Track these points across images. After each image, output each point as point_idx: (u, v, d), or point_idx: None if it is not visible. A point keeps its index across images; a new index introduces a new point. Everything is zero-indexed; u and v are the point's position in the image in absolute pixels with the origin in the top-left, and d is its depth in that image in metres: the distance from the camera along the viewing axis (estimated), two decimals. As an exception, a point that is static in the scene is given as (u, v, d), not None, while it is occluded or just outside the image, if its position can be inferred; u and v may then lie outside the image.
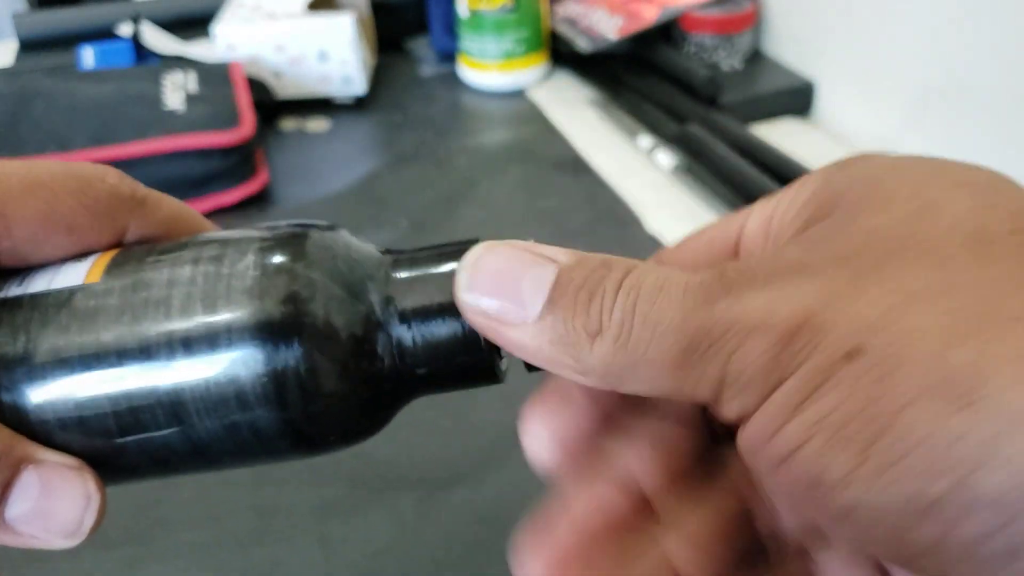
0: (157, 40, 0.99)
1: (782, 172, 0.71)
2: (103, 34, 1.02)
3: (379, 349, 0.24)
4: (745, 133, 0.77)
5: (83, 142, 0.74)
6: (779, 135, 0.81)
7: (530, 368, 0.23)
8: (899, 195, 0.20)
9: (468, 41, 0.96)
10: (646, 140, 0.82)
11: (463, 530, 0.46)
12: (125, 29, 1.01)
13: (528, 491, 0.50)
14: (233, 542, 0.47)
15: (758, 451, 0.19)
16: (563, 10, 1.00)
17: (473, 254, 0.22)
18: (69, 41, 1.02)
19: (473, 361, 0.24)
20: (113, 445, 0.24)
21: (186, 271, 0.23)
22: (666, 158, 0.78)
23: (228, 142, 0.75)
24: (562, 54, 0.98)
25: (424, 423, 0.52)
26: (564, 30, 0.96)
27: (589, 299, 0.20)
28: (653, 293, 0.20)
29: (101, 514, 0.25)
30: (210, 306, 0.23)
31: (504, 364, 0.25)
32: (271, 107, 0.91)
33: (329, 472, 0.50)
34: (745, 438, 0.20)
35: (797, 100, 0.87)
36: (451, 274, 0.23)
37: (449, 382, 0.25)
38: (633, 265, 0.21)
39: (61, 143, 0.74)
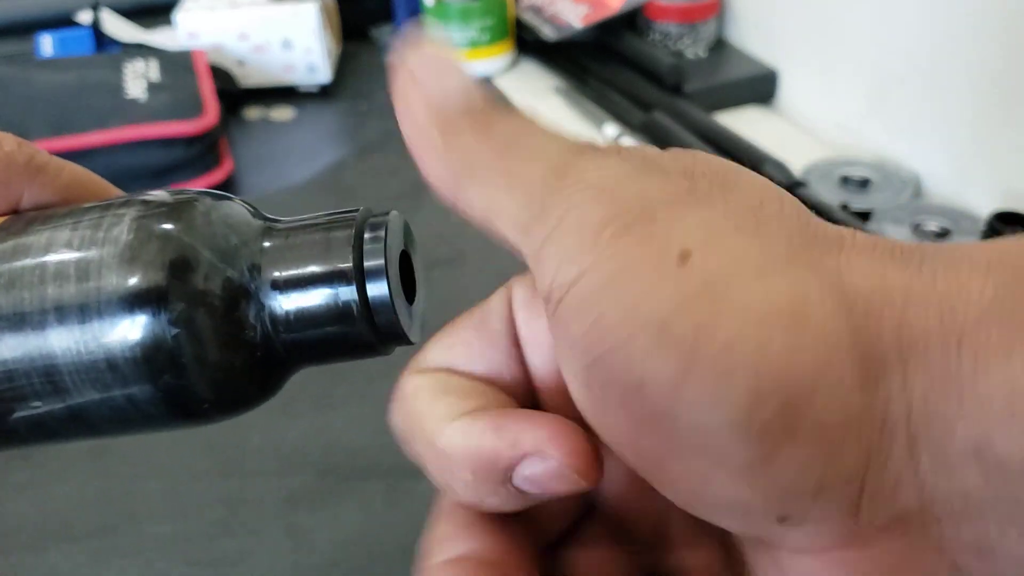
0: (117, 28, 0.97)
1: (746, 160, 0.72)
2: (62, 21, 1.00)
3: (250, 318, 0.23)
4: (710, 121, 0.78)
5: (42, 132, 0.73)
6: (743, 123, 0.82)
7: None
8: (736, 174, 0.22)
9: (433, 29, 0.95)
10: (611, 128, 0.82)
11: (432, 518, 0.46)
12: (84, 16, 0.99)
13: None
14: (201, 534, 0.47)
15: (572, 326, 0.19)
16: (528, -2, 1.00)
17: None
18: (27, 28, 1.00)
19: (347, 332, 0.23)
20: None
21: (64, 236, 0.23)
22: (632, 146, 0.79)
23: (191, 131, 0.74)
24: (527, 42, 0.98)
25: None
26: (529, 18, 0.96)
27: (497, 100, 0.22)
28: (548, 127, 0.22)
29: None
30: (82, 272, 0.22)
31: (409, 327, 0.24)
32: (235, 96, 0.90)
33: (297, 462, 0.50)
34: (562, 311, 0.19)
35: (761, 88, 0.87)
36: (325, 242, 0.23)
37: (327, 353, 0.24)
38: (536, 115, 0.23)
39: (20, 133, 0.71)
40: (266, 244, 0.24)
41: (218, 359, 0.23)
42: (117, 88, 0.78)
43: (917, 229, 0.64)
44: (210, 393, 0.23)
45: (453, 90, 0.22)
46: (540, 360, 0.23)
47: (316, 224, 0.24)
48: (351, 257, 0.23)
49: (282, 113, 0.91)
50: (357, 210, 0.24)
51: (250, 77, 0.92)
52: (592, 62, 0.91)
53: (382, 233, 0.24)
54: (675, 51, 0.91)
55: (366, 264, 0.23)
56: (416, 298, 0.25)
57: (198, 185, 0.76)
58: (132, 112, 0.75)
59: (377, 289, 0.23)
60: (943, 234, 0.64)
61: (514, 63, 0.99)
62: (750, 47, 0.91)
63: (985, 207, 0.64)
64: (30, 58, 0.91)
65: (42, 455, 0.51)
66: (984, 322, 0.17)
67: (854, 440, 0.17)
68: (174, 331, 0.22)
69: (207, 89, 0.79)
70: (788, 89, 0.86)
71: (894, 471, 0.17)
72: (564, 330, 0.19)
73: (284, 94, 0.93)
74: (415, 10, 0.98)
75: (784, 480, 0.17)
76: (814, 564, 0.19)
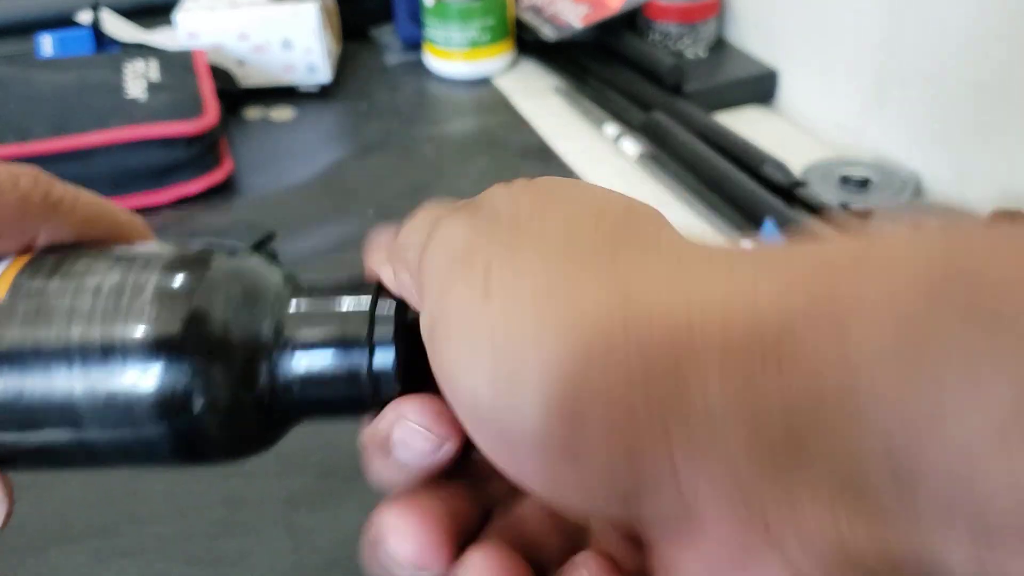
0: (117, 28, 0.97)
1: (746, 160, 0.72)
2: (62, 21, 1.00)
3: (264, 377, 0.25)
4: (710, 121, 0.78)
5: (43, 132, 0.73)
6: (743, 123, 0.82)
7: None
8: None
9: (433, 29, 0.95)
10: (612, 128, 0.82)
11: (432, 518, 0.46)
12: (85, 16, 0.99)
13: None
14: (202, 534, 0.47)
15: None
16: (528, -2, 1.00)
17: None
18: (27, 28, 1.00)
19: (354, 397, 0.25)
20: (11, 441, 0.25)
21: (89, 290, 0.24)
22: (631, 146, 0.79)
23: (191, 131, 0.74)
24: (527, 42, 0.98)
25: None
26: (529, 18, 0.96)
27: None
28: None
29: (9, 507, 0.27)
30: (108, 323, 0.24)
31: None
32: (235, 96, 0.90)
33: (298, 462, 0.50)
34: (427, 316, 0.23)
35: (761, 88, 0.87)
36: (342, 310, 0.25)
37: (330, 412, 0.26)
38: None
39: (20, 133, 0.73)
40: (289, 308, 0.25)
41: (232, 414, 0.25)
42: (117, 88, 0.78)
43: (917, 229, 0.64)
44: (217, 442, 0.25)
45: None
46: None
47: (335, 289, 0.26)
48: (366, 330, 0.25)
49: (282, 113, 0.91)
50: (374, 284, 0.26)
51: (250, 77, 0.92)
52: (592, 62, 0.91)
53: (392, 310, 0.25)
54: (675, 51, 0.91)
55: (377, 337, 0.25)
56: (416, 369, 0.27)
57: (198, 186, 0.76)
58: (132, 112, 0.75)
59: (384, 360, 0.25)
60: (943, 234, 0.63)
61: (514, 63, 0.99)
62: (750, 47, 0.91)
63: (985, 206, 0.64)
64: (30, 58, 0.91)
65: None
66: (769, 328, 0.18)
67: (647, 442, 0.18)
68: (192, 386, 0.24)
69: (207, 89, 0.79)
70: (788, 89, 0.86)
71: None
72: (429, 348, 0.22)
73: (284, 94, 0.93)
74: (415, 10, 0.99)
75: (595, 481, 0.19)
76: (678, 555, 0.20)
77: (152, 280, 0.24)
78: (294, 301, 0.26)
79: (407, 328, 0.26)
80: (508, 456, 0.20)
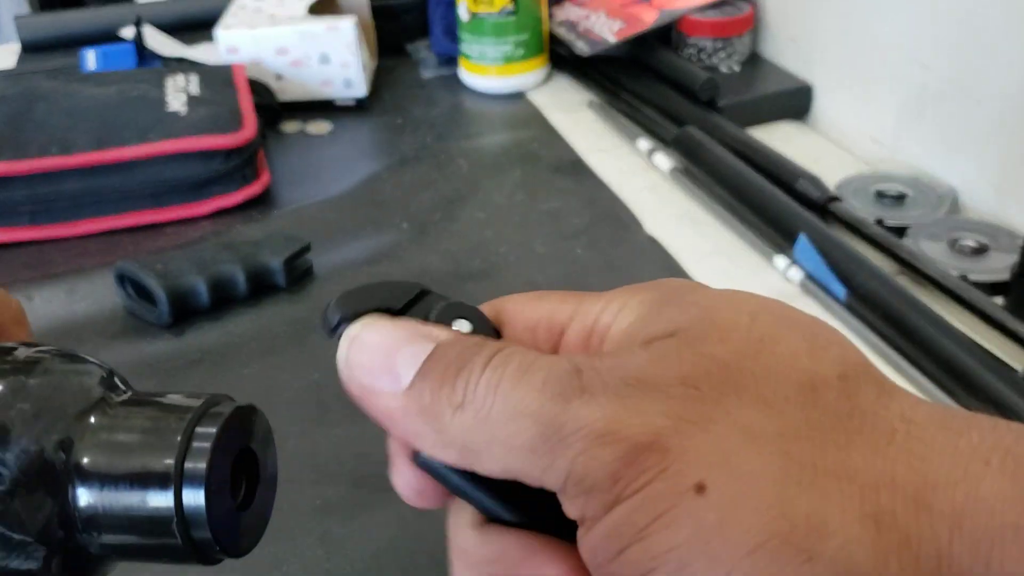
0: (159, 43, 0.99)
1: (779, 175, 0.71)
2: (105, 37, 1.03)
3: (49, 504, 0.20)
4: (743, 136, 0.78)
5: (85, 144, 0.74)
6: (777, 138, 0.82)
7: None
8: (736, 327, 0.21)
9: (468, 44, 0.96)
10: (645, 143, 0.82)
11: (463, 529, 0.46)
12: (127, 32, 1.01)
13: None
14: (236, 541, 0.47)
15: (599, 563, 0.20)
16: (562, 13, 1.00)
17: (354, 328, 0.23)
18: (71, 43, 1.02)
19: (157, 542, 0.20)
20: None
21: None
22: (665, 161, 0.79)
23: (230, 144, 0.75)
24: (561, 57, 0.98)
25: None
26: (563, 33, 0.97)
27: (457, 373, 0.21)
28: (517, 375, 0.20)
29: None
30: None
31: (232, 541, 0.22)
32: (273, 110, 0.91)
33: (331, 471, 0.51)
34: (587, 546, 0.20)
35: (795, 103, 0.87)
36: (151, 430, 0.20)
37: (138, 556, 0.21)
38: (504, 346, 0.21)
39: (63, 146, 0.74)
40: (91, 420, 0.21)
41: (16, 543, 0.20)
42: (158, 102, 0.80)
43: (954, 245, 0.64)
44: None
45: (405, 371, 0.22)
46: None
47: (157, 405, 0.21)
48: (173, 455, 0.20)
49: (319, 127, 0.92)
50: (216, 401, 0.22)
51: (288, 91, 0.93)
52: (626, 77, 0.91)
53: (214, 430, 0.21)
54: (709, 66, 0.91)
55: (186, 466, 0.20)
56: (255, 504, 0.23)
57: (236, 198, 0.77)
58: (172, 125, 0.76)
59: (194, 498, 0.20)
60: (981, 250, 0.63)
61: (548, 78, 0.99)
62: (784, 61, 0.91)
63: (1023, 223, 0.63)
64: (74, 72, 0.93)
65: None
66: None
67: None
68: None
69: (246, 103, 0.81)
70: (822, 103, 0.86)
71: None
72: (592, 555, 0.20)
73: (321, 108, 0.94)
74: (450, 25, 0.99)
75: None
76: None
77: None
78: (96, 417, 0.21)
79: (249, 452, 0.22)
80: None
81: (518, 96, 0.96)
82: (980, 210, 0.70)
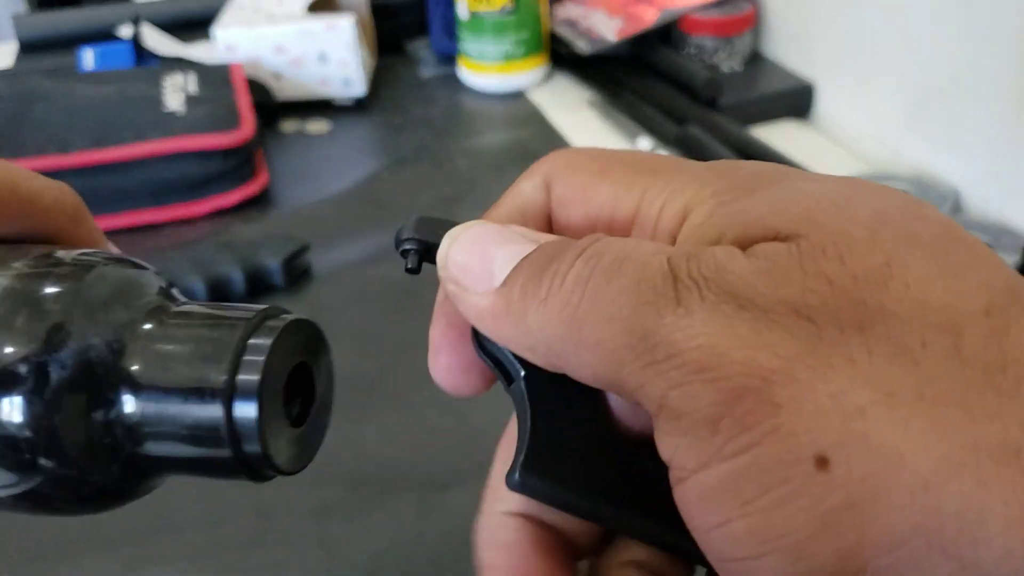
0: (157, 42, 0.99)
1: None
2: (103, 36, 1.02)
3: (101, 412, 0.20)
4: (744, 135, 0.78)
5: (83, 144, 0.74)
6: (779, 137, 0.81)
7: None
8: (854, 243, 0.17)
9: (468, 43, 0.96)
10: (646, 142, 0.82)
11: (463, 531, 0.46)
12: (125, 31, 1.01)
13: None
14: (233, 544, 0.47)
15: (695, 526, 0.17)
16: (563, 12, 1.00)
17: (459, 227, 0.22)
18: (69, 43, 1.02)
19: (206, 453, 0.20)
20: None
21: None
22: (666, 160, 0.78)
23: (228, 144, 0.75)
24: (562, 56, 0.98)
25: (425, 424, 0.52)
26: (564, 32, 0.97)
27: (548, 263, 0.19)
28: (611, 269, 0.18)
29: None
30: None
31: (285, 457, 0.21)
32: (271, 109, 0.91)
33: (330, 473, 0.50)
34: (683, 501, 0.17)
35: (796, 102, 0.87)
36: (203, 343, 0.20)
37: (187, 468, 0.21)
38: (600, 236, 0.19)
39: (61, 145, 0.74)
40: (145, 327, 0.21)
41: (65, 457, 0.20)
42: (156, 101, 0.79)
43: (957, 244, 0.63)
44: (51, 488, 0.20)
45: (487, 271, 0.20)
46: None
47: (211, 316, 0.21)
48: (226, 367, 0.20)
49: (318, 126, 0.91)
50: (265, 308, 0.21)
51: (286, 90, 0.93)
52: (626, 76, 0.91)
53: (268, 342, 0.20)
54: (710, 64, 0.90)
55: (239, 378, 0.20)
56: (309, 422, 0.22)
57: (234, 197, 0.77)
58: (170, 125, 0.76)
59: (245, 410, 0.20)
60: (983, 250, 0.62)
61: (548, 76, 0.99)
62: (786, 60, 0.90)
63: (1027, 222, 0.63)
64: (72, 72, 0.93)
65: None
66: None
67: None
68: (18, 422, 0.19)
69: (244, 102, 0.80)
70: (824, 103, 0.86)
71: None
72: (687, 510, 0.17)
73: (320, 107, 0.93)
74: (449, 24, 0.99)
75: None
76: None
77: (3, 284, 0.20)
78: (151, 325, 0.21)
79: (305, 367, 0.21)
80: None
81: (518, 95, 0.96)
82: (982, 210, 0.70)
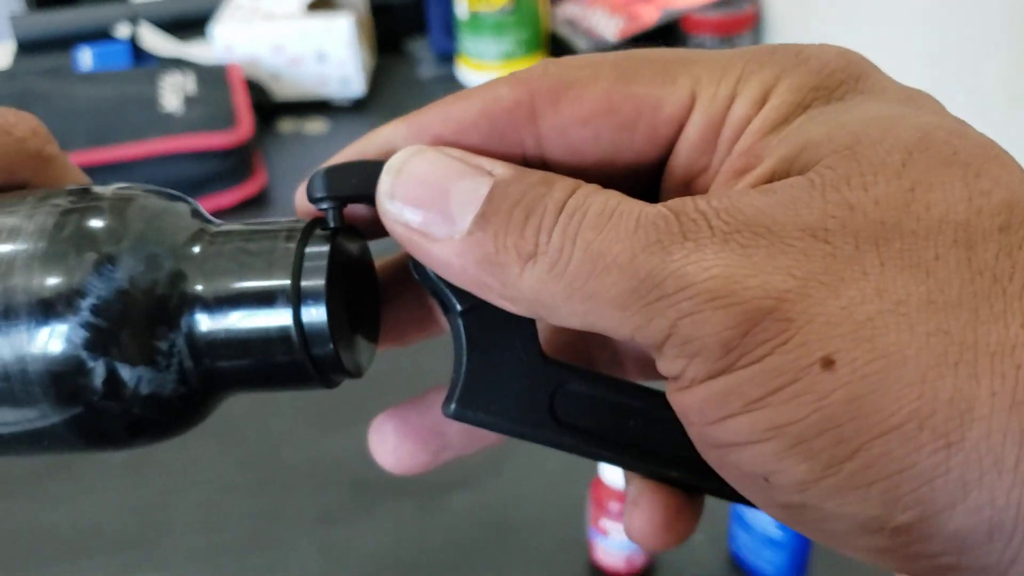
0: (155, 41, 0.98)
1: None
2: (101, 35, 1.02)
3: (167, 333, 0.20)
4: (746, 135, 0.77)
5: (81, 143, 0.74)
6: (780, 137, 0.81)
7: (420, 276, 0.21)
8: (885, 168, 0.17)
9: (467, 42, 0.95)
10: (646, 142, 0.81)
11: (463, 535, 0.46)
12: (123, 30, 1.00)
13: (528, 496, 0.50)
14: (233, 548, 0.47)
15: (692, 422, 0.18)
16: (563, 11, 0.99)
17: (399, 158, 0.20)
18: (67, 42, 1.01)
19: (279, 360, 0.20)
20: None
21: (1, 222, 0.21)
22: (666, 160, 0.78)
23: (226, 143, 0.75)
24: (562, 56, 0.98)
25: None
26: (564, 31, 0.96)
27: (526, 217, 0.18)
28: (600, 219, 0.17)
29: None
30: (5, 268, 0.20)
31: (352, 360, 0.21)
32: (269, 108, 0.90)
33: (330, 478, 0.50)
34: (680, 402, 0.18)
35: (797, 101, 0.86)
36: (262, 254, 0.20)
37: (258, 382, 0.21)
38: (578, 185, 0.18)
39: (59, 145, 0.73)
40: (195, 249, 0.21)
41: (132, 381, 0.20)
42: (153, 101, 0.79)
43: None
44: (121, 420, 0.20)
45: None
46: (560, 155, 0.20)
47: (257, 232, 0.21)
48: (289, 275, 0.20)
49: (315, 126, 0.91)
50: (302, 222, 0.21)
51: (284, 90, 0.92)
52: (626, 75, 0.90)
53: (326, 248, 0.21)
54: (710, 64, 0.90)
55: (303, 284, 0.20)
56: (365, 325, 0.23)
57: (232, 197, 0.76)
58: (168, 125, 0.76)
59: (314, 315, 0.20)
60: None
61: (548, 76, 0.98)
62: (787, 60, 0.90)
63: None
64: (70, 72, 0.92)
65: (80, 466, 0.51)
66: None
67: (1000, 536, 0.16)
68: (79, 339, 0.20)
69: (242, 102, 0.80)
70: (826, 102, 0.85)
71: None
72: (686, 412, 0.18)
73: (318, 107, 0.93)
74: (449, 23, 0.99)
75: (913, 564, 0.17)
76: None
77: (46, 224, 0.20)
78: (207, 242, 0.21)
79: (351, 270, 0.22)
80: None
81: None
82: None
